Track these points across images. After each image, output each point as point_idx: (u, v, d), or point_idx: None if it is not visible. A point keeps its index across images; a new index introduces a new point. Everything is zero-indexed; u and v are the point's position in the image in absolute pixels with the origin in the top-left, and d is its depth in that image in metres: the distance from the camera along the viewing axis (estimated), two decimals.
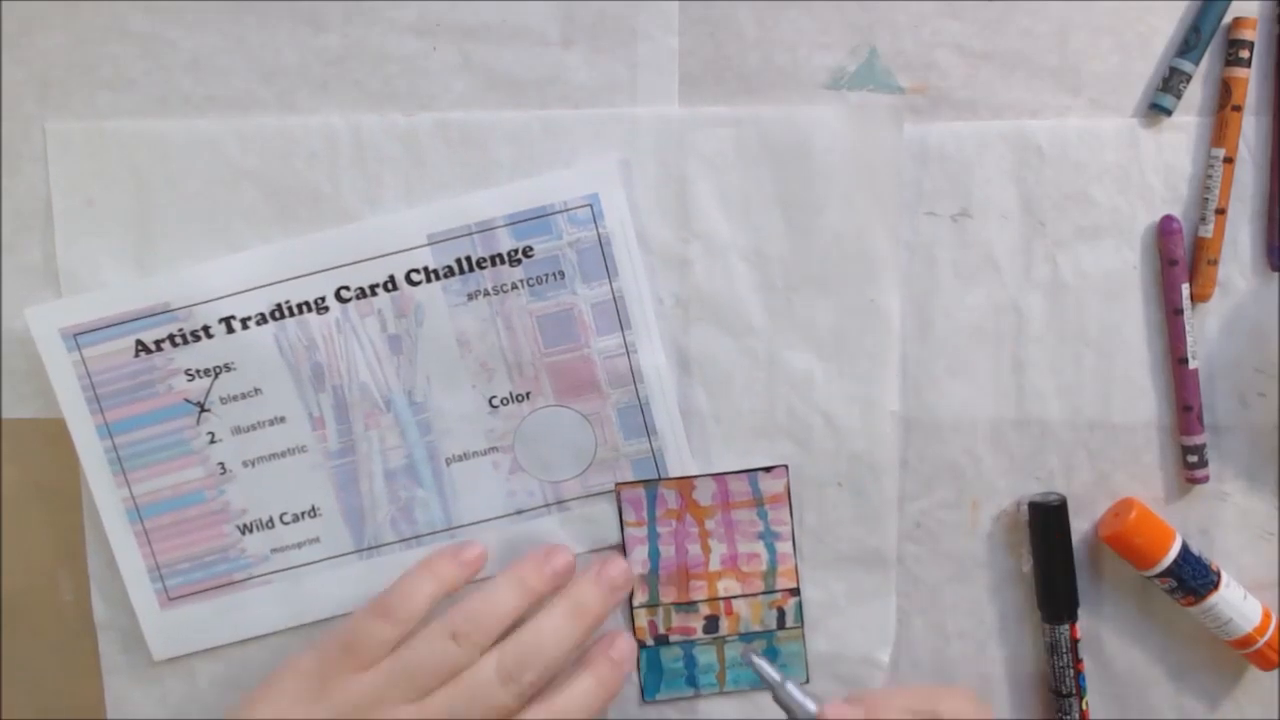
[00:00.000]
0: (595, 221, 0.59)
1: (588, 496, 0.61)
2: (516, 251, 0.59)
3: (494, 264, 0.59)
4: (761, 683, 0.56)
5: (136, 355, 0.59)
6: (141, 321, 0.59)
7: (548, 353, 0.60)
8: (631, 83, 0.60)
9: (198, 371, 0.60)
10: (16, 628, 0.63)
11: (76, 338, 0.59)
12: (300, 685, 0.55)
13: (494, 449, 0.61)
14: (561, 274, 0.60)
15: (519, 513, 0.61)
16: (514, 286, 0.60)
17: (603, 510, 0.62)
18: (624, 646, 0.60)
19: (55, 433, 0.60)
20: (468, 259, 0.59)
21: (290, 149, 0.60)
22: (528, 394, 0.61)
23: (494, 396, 0.61)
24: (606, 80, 0.60)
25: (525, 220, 0.59)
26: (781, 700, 0.55)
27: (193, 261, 0.60)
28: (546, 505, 0.61)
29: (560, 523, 0.62)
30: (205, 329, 0.59)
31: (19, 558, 0.62)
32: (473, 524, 0.61)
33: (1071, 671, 0.61)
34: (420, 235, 0.59)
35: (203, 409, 0.60)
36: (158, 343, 0.59)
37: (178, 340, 0.59)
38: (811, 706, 0.55)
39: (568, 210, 0.59)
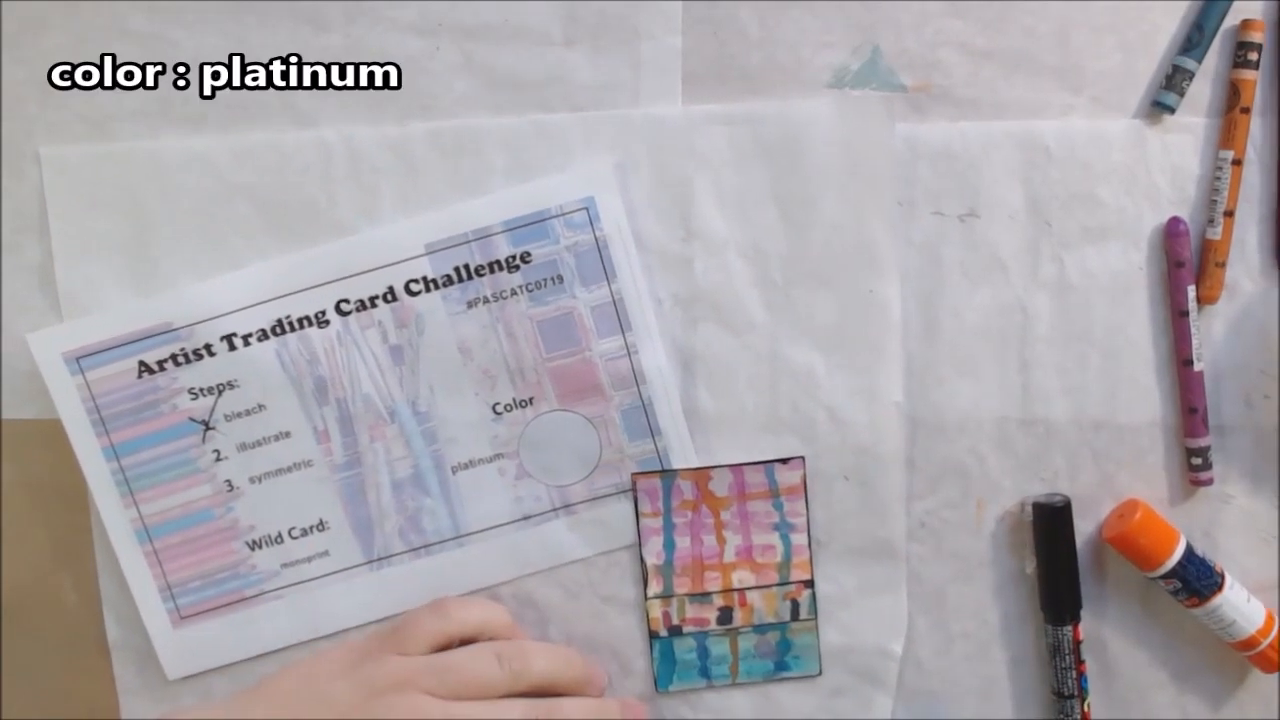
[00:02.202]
0: (592, 224, 0.59)
1: (595, 499, 0.61)
2: (514, 257, 0.59)
3: (492, 270, 0.59)
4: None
5: (140, 376, 0.59)
6: (143, 342, 0.59)
7: (549, 357, 0.60)
8: (634, 82, 0.60)
9: (201, 390, 0.60)
10: (18, 627, 0.63)
11: (79, 361, 0.59)
12: (342, 657, 0.57)
13: (499, 455, 0.61)
14: (560, 278, 0.60)
15: (526, 518, 0.61)
16: (513, 292, 0.60)
17: (611, 512, 0.62)
18: (636, 709, 0.62)
19: (56, 433, 0.60)
20: (466, 267, 0.59)
21: (284, 163, 0.60)
22: (531, 399, 0.61)
23: (497, 403, 0.61)
24: (609, 80, 0.60)
25: (522, 226, 0.59)
26: None
27: (192, 279, 0.60)
28: (554, 510, 0.61)
29: (568, 527, 0.62)
30: (207, 347, 0.59)
31: (20, 558, 0.62)
32: (481, 531, 0.61)
33: (1074, 673, 0.61)
34: (418, 245, 0.59)
35: (208, 427, 0.60)
36: (160, 363, 0.59)
37: (180, 360, 0.59)
38: None
39: (564, 214, 0.59)
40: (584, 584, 0.62)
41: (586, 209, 0.59)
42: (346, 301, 0.59)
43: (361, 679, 0.56)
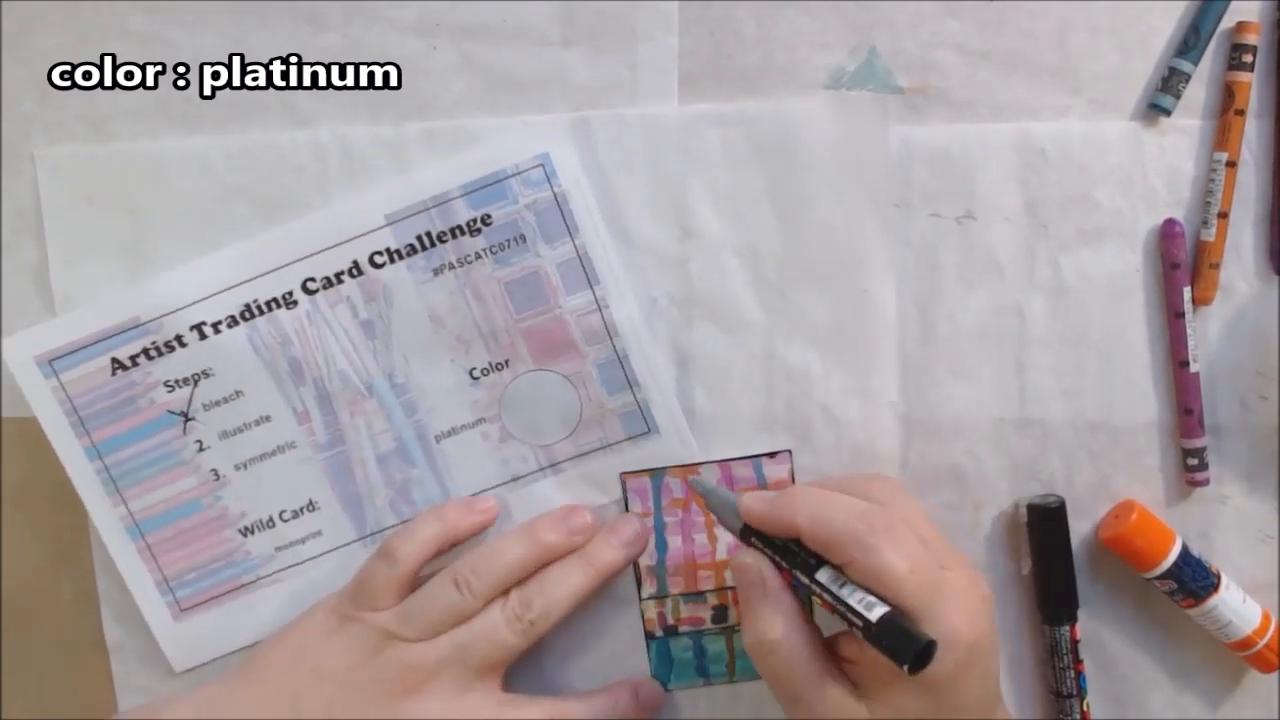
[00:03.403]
0: (549, 181, 0.59)
1: (580, 456, 0.62)
2: (475, 221, 0.59)
3: (455, 236, 0.59)
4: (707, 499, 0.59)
5: (114, 373, 0.59)
6: (113, 339, 0.59)
7: (520, 318, 0.60)
8: (631, 83, 0.60)
9: (176, 381, 0.60)
10: (17, 626, 0.63)
11: (52, 363, 0.59)
12: (322, 623, 0.58)
13: (481, 420, 0.61)
14: (523, 238, 0.59)
15: (515, 479, 0.62)
16: (477, 256, 0.59)
17: (598, 467, 0.62)
18: (651, 690, 0.62)
19: None
20: (428, 234, 0.59)
21: (279, 164, 0.60)
22: (506, 362, 0.61)
23: (474, 368, 0.61)
24: (606, 80, 0.60)
25: (479, 189, 0.59)
26: (713, 507, 0.58)
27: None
28: (541, 469, 0.62)
29: (557, 485, 0.62)
30: (178, 338, 0.59)
31: (19, 556, 0.62)
32: (471, 496, 0.62)
33: (1072, 673, 0.61)
34: (378, 217, 0.59)
35: (187, 418, 0.60)
36: (133, 358, 0.59)
37: (152, 353, 0.59)
38: (733, 500, 0.56)
39: (520, 173, 0.59)
40: None
41: (542, 165, 0.59)
42: (313, 280, 0.59)
43: (348, 643, 0.57)
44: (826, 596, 0.51)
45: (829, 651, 0.54)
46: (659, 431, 0.61)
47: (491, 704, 0.57)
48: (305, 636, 0.58)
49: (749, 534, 0.55)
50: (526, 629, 0.57)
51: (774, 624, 0.53)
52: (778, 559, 0.54)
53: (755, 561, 0.54)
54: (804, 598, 0.54)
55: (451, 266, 0.59)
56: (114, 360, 0.59)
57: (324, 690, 0.56)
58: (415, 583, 0.58)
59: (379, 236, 0.59)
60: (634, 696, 0.61)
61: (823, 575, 0.52)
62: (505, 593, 0.58)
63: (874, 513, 0.51)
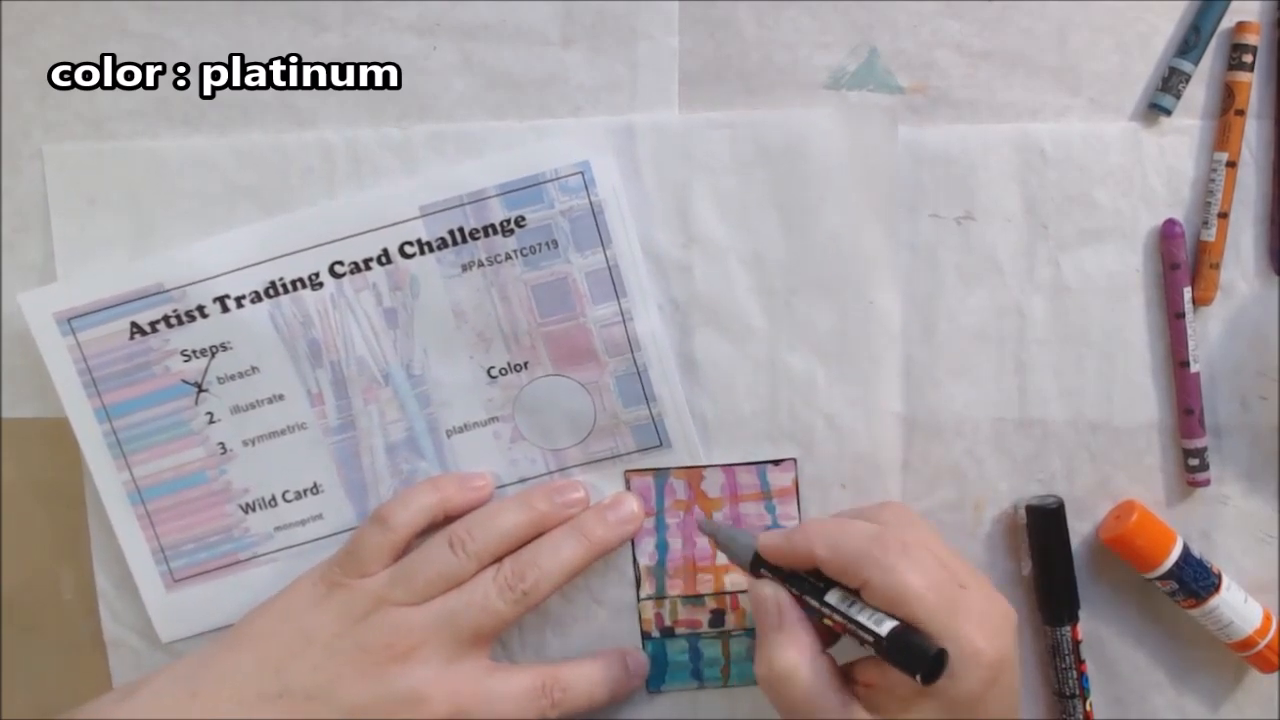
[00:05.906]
0: (587, 189, 0.59)
1: (590, 463, 0.62)
2: (509, 221, 0.59)
3: (487, 234, 0.59)
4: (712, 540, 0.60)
5: (132, 337, 0.59)
6: (135, 303, 0.59)
7: (544, 322, 0.60)
8: (632, 83, 0.60)
9: (194, 352, 0.60)
10: (17, 627, 0.63)
11: (70, 322, 0.59)
12: (310, 590, 0.58)
13: (494, 419, 0.61)
14: (555, 243, 0.59)
15: (522, 481, 0.62)
16: (508, 257, 0.59)
17: (605, 475, 0.62)
18: (639, 659, 0.62)
19: (56, 432, 0.60)
20: (460, 230, 0.59)
21: (286, 164, 0.60)
22: (525, 364, 0.61)
23: (492, 367, 0.61)
24: (606, 80, 0.60)
25: (517, 190, 0.59)
26: (723, 545, 0.58)
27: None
28: (549, 473, 0.62)
29: None
30: (200, 309, 0.59)
31: (19, 557, 0.62)
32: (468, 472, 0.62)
33: (1074, 673, 0.61)
34: (412, 207, 0.59)
35: (200, 389, 0.60)
36: (152, 324, 0.59)
37: (172, 321, 0.59)
38: (749, 540, 0.56)
39: (559, 178, 0.59)
40: (580, 587, 0.62)
41: (582, 173, 0.59)
42: (340, 264, 0.59)
43: (336, 609, 0.57)
44: (837, 617, 0.51)
45: (845, 679, 0.53)
46: (670, 446, 0.61)
47: (480, 672, 0.57)
48: (291, 603, 0.58)
49: (759, 565, 0.55)
50: (519, 599, 0.57)
51: (787, 654, 0.52)
52: (789, 587, 0.54)
53: (774, 592, 0.54)
54: (822, 626, 0.54)
55: (480, 264, 0.59)
56: (133, 324, 0.59)
57: (309, 656, 0.56)
58: (406, 551, 0.58)
59: (411, 227, 0.59)
60: (623, 664, 0.60)
61: (832, 597, 0.52)
62: (498, 561, 0.58)
63: (888, 534, 0.52)
